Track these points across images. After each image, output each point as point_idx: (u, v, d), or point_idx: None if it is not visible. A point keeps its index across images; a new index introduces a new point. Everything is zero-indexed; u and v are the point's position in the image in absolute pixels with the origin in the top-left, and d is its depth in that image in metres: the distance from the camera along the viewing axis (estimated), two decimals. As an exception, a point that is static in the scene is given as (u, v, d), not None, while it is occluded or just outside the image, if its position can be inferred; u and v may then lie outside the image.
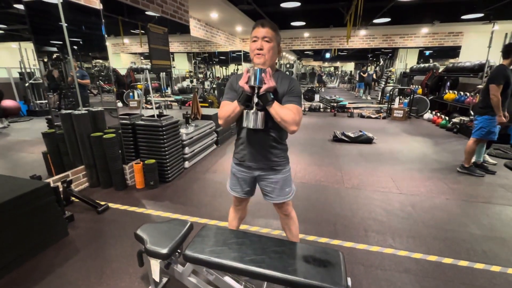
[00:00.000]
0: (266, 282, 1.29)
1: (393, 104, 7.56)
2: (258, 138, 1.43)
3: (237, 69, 11.35)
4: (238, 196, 1.61)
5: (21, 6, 2.46)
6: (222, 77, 11.32)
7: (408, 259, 1.90)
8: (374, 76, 13.53)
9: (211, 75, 11.22)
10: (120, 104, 8.43)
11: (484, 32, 7.95)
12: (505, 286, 1.66)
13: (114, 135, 2.82)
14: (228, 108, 1.36)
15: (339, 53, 16.42)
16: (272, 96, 1.29)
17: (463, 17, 6.90)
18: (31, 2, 2.48)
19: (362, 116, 7.46)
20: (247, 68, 1.29)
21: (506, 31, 4.95)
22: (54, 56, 2.88)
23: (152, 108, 4.17)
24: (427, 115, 7.10)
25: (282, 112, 1.28)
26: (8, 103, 5.95)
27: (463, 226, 2.30)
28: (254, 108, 1.29)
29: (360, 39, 9.79)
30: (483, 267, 1.82)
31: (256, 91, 1.28)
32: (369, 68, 16.05)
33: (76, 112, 2.78)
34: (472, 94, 5.80)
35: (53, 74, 2.92)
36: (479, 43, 7.58)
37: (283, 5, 6.02)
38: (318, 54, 19.92)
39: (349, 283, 1.15)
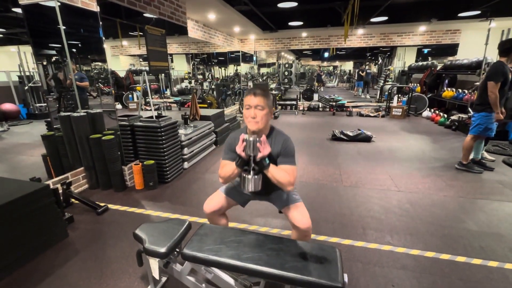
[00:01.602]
0: (263, 280, 1.30)
1: (392, 103, 7.57)
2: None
3: (236, 69, 11.37)
4: (227, 201, 1.66)
5: (19, 10, 2.48)
6: (221, 77, 11.34)
7: (406, 255, 1.91)
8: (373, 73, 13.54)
9: (209, 76, 11.24)
10: (119, 106, 8.44)
11: (481, 29, 7.96)
12: (502, 281, 1.68)
13: (113, 136, 2.84)
14: (227, 169, 1.45)
15: (338, 52, 16.41)
16: (267, 162, 1.37)
17: (460, 14, 6.90)
18: (29, 6, 2.50)
19: (361, 115, 7.47)
20: (243, 137, 1.35)
21: (502, 28, 4.96)
22: (53, 59, 2.90)
23: (151, 110, 4.18)
24: (426, 113, 7.12)
25: (278, 175, 1.37)
26: (8, 106, 5.97)
27: (460, 222, 2.31)
28: (251, 174, 1.37)
29: (358, 38, 9.80)
30: (480, 262, 1.83)
31: (252, 157, 1.36)
32: (367, 67, 16.06)
33: (75, 114, 2.80)
34: (470, 91, 5.81)
35: (59, 76, 2.94)
36: (476, 41, 7.57)
37: (280, 5, 6.03)
38: (316, 54, 19.92)
39: (346, 279, 1.16)
